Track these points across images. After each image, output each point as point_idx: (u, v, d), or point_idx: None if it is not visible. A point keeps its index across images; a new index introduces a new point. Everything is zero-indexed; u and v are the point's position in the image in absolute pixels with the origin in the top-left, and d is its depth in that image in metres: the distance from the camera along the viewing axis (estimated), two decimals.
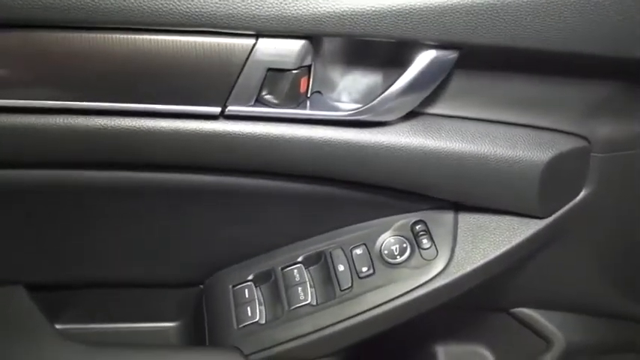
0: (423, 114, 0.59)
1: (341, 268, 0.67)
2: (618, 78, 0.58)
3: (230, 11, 0.50)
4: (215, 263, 0.72)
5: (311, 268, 0.69)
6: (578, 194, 0.64)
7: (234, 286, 0.70)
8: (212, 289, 0.72)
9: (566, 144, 0.60)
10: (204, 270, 0.73)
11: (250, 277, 0.70)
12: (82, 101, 0.54)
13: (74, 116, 0.55)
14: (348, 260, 0.67)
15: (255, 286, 0.70)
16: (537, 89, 0.58)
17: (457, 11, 0.50)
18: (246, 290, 0.69)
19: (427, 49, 0.53)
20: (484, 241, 0.64)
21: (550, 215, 0.64)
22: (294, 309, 0.66)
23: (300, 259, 0.69)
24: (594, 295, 0.75)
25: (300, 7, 0.50)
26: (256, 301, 0.69)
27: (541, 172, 0.60)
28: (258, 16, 0.50)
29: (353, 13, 0.50)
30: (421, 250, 0.65)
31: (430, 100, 0.58)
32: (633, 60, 0.54)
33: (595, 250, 0.70)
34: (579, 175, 0.63)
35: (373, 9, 0.50)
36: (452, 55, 0.54)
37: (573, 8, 0.51)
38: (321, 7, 0.50)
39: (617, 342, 0.81)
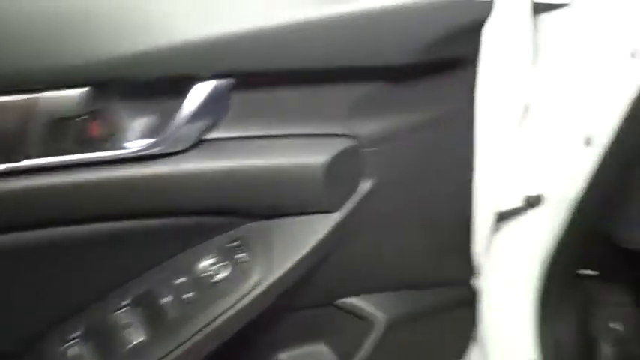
0: (211, 140, 0.64)
1: (167, 299, 0.69)
2: (371, 83, 0.68)
3: (5, 70, 0.52)
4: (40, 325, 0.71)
5: (140, 307, 0.70)
6: (358, 186, 0.73)
7: (64, 345, 0.69)
8: (44, 353, 0.70)
9: (338, 145, 0.69)
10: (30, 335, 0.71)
11: (80, 332, 0.70)
12: None
13: None
14: (172, 291, 0.70)
15: (87, 340, 0.69)
16: (306, 102, 0.67)
17: (224, 45, 0.57)
18: (77, 347, 0.69)
19: (203, 81, 0.59)
20: (293, 242, 0.71)
21: (339, 209, 0.72)
22: (128, 350, 0.67)
23: (128, 300, 0.70)
24: (403, 271, 0.83)
25: (76, 58, 0.53)
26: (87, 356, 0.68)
27: (322, 174, 0.67)
28: (37, 70, 0.52)
29: (124, 57, 0.55)
30: (239, 265, 0.70)
31: (216, 125, 0.64)
32: (381, 67, 0.65)
33: (391, 231, 0.79)
34: (356, 169, 0.72)
35: (144, 50, 0.55)
36: (227, 82, 0.60)
37: (321, 30, 0.60)
38: (97, 55, 0.54)
39: (435, 306, 0.89)
